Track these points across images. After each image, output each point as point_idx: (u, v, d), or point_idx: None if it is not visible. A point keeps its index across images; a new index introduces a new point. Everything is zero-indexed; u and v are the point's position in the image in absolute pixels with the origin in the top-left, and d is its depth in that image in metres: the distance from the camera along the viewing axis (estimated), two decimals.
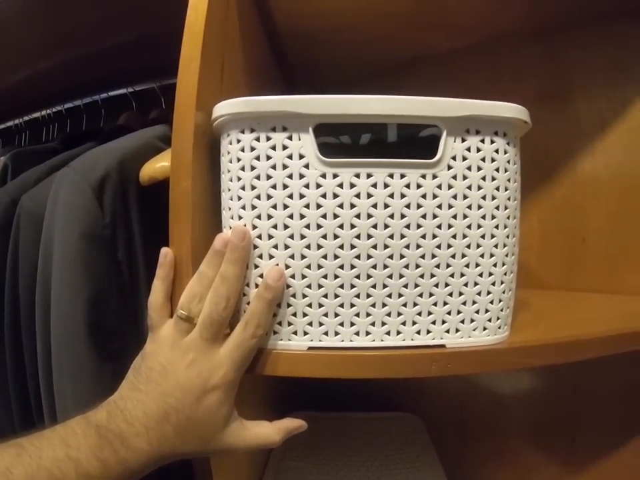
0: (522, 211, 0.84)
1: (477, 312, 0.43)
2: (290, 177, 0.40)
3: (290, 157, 0.40)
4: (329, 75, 0.99)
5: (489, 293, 0.43)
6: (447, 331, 0.43)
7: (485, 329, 0.44)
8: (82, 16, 0.84)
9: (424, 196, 0.40)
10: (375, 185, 0.39)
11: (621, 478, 0.77)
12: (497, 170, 0.42)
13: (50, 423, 0.60)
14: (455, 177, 0.41)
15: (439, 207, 0.40)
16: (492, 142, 0.42)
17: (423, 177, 0.40)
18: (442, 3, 0.71)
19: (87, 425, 0.38)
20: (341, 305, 0.41)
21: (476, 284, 0.42)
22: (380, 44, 0.87)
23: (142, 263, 0.64)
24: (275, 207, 0.40)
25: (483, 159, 0.42)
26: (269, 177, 0.40)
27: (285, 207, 0.40)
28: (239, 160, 0.41)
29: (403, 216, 0.40)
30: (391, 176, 0.39)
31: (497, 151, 0.42)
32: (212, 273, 0.41)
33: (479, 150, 0.41)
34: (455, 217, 0.41)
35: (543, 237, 0.85)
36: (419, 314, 0.42)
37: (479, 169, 0.41)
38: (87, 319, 0.57)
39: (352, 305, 0.41)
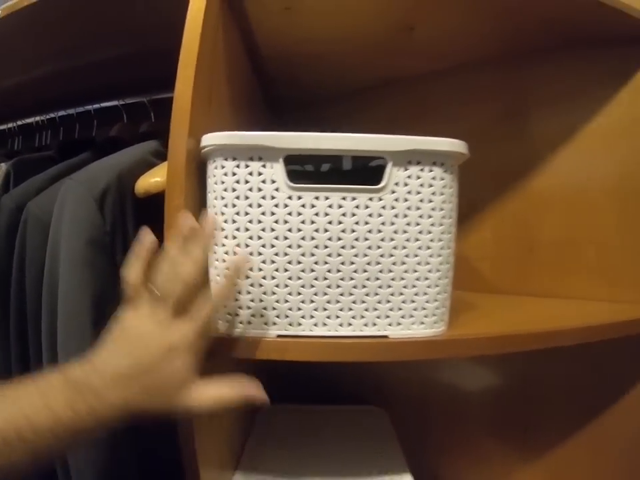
0: (477, 223, 0.93)
1: (415, 309, 0.52)
2: (264, 197, 0.49)
3: (264, 181, 0.49)
4: (307, 93, 1.06)
5: (425, 294, 0.52)
6: (390, 324, 0.52)
7: (422, 323, 0.53)
8: (79, 30, 0.88)
9: (371, 215, 0.49)
10: (331, 206, 0.49)
11: (572, 464, 0.83)
12: (434, 193, 0.51)
13: None
14: (397, 200, 0.50)
15: (383, 223, 0.49)
16: (430, 170, 0.50)
17: (371, 199, 0.49)
18: (409, 34, 0.78)
19: (65, 380, 0.42)
20: (303, 302, 0.50)
21: (414, 286, 0.51)
22: (354, 68, 0.94)
23: None
24: (251, 221, 0.49)
25: (422, 185, 0.50)
26: (246, 197, 0.49)
27: (259, 221, 0.49)
28: (222, 182, 0.50)
29: (353, 231, 0.49)
30: (344, 198, 0.49)
31: (434, 178, 0.51)
32: (181, 254, 0.47)
33: (418, 177, 0.50)
34: (396, 232, 0.50)
35: (495, 247, 0.92)
36: (367, 310, 0.51)
37: (418, 192, 0.50)
38: (91, 316, 0.65)
39: (312, 302, 0.50)
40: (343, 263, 0.50)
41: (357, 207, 0.49)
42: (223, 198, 0.50)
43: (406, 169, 0.50)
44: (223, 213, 0.50)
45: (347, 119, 1.06)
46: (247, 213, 0.49)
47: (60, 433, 0.40)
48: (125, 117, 1.19)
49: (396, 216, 0.50)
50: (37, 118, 1.38)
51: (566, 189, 0.84)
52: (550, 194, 0.85)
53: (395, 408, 1.00)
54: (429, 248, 0.51)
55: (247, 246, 0.50)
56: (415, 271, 0.51)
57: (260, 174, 0.49)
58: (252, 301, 0.51)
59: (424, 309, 0.52)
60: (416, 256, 0.51)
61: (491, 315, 0.72)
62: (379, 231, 0.50)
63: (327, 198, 0.49)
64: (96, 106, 1.26)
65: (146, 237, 0.48)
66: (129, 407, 0.43)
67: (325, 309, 0.51)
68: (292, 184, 0.49)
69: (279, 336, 0.51)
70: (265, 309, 0.51)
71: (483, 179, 0.92)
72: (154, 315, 0.46)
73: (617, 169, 0.78)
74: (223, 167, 0.50)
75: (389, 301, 0.51)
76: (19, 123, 1.44)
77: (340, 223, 0.49)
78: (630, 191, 0.77)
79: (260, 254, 0.50)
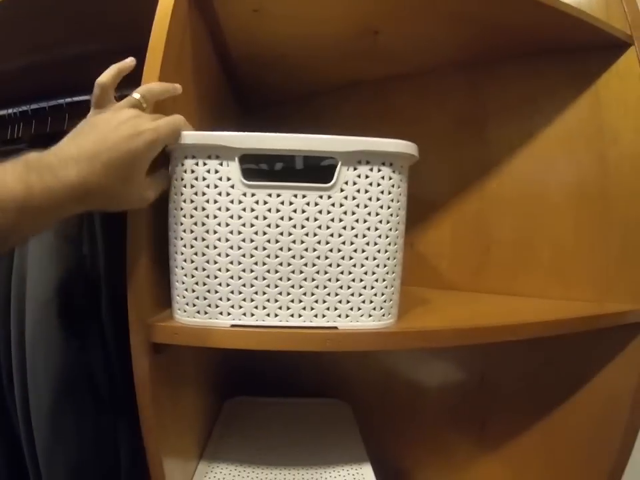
0: (436, 222, 0.96)
1: (363, 302, 0.55)
2: (220, 194, 0.52)
3: (220, 179, 0.52)
4: (275, 92, 1.08)
5: (372, 287, 0.55)
6: (339, 316, 0.55)
7: (370, 315, 0.56)
8: (52, 25, 0.88)
9: (320, 212, 0.52)
10: (282, 203, 0.52)
11: (528, 455, 0.87)
12: (382, 192, 0.54)
13: (21, 391, 0.70)
14: (346, 198, 0.53)
15: (332, 220, 0.53)
16: (379, 170, 0.53)
17: (321, 197, 0.52)
18: (374, 39, 0.81)
19: (18, 160, 0.41)
20: (256, 293, 0.53)
21: (361, 280, 0.54)
22: (320, 69, 0.96)
23: (102, 256, 0.74)
24: (207, 216, 0.52)
25: (371, 184, 0.53)
26: (204, 194, 0.52)
27: (215, 216, 0.52)
28: (182, 179, 0.53)
29: (303, 226, 0.52)
30: (295, 196, 0.52)
31: (382, 178, 0.53)
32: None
33: (367, 177, 0.53)
34: (344, 228, 0.53)
35: (453, 245, 0.95)
36: (316, 301, 0.54)
37: (366, 191, 0.53)
38: (58, 301, 0.67)
39: (264, 293, 0.53)
40: (293, 257, 0.53)
41: (307, 204, 0.52)
42: (182, 194, 0.53)
43: (355, 169, 0.53)
44: (181, 208, 0.53)
45: (313, 119, 1.08)
46: (204, 209, 0.52)
47: (8, 205, 0.38)
48: None
49: (345, 213, 0.53)
50: (10, 110, 1.37)
51: (524, 191, 0.86)
52: (508, 195, 0.88)
53: (357, 400, 1.03)
54: (376, 244, 0.54)
55: (204, 239, 0.52)
56: (363, 266, 0.54)
57: (217, 171, 0.52)
58: (208, 291, 0.53)
59: (371, 301, 0.55)
60: (363, 251, 0.54)
61: (444, 310, 0.75)
62: (328, 227, 0.53)
63: (278, 195, 0.52)
64: (68, 100, 1.25)
65: (132, 60, 0.54)
66: (87, 187, 0.43)
67: (277, 300, 0.54)
68: (246, 181, 0.52)
69: (233, 325, 0.54)
70: (220, 299, 0.54)
71: (443, 179, 0.95)
72: (127, 112, 0.49)
73: (575, 173, 0.81)
74: (182, 165, 0.53)
75: (337, 294, 0.54)
76: None
77: (290, 219, 0.52)
78: (586, 195, 0.80)
79: (215, 247, 0.52)
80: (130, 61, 0.53)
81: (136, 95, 0.51)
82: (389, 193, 0.54)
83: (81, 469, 0.70)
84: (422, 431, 1.01)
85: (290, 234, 0.52)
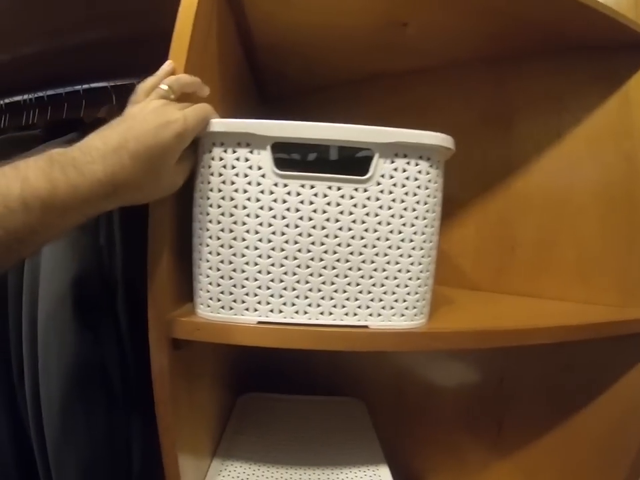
0: (460, 220, 0.94)
1: (396, 301, 0.53)
2: (249, 183, 0.49)
3: (250, 167, 0.49)
4: (296, 83, 1.05)
5: (406, 286, 0.53)
6: (371, 315, 0.52)
7: (402, 315, 0.53)
8: (70, 9, 0.87)
9: (355, 205, 0.50)
10: (316, 195, 0.49)
11: (545, 462, 0.84)
12: (419, 187, 0.51)
13: (32, 387, 0.67)
14: (382, 191, 0.50)
15: (367, 214, 0.50)
16: (416, 164, 0.51)
17: (356, 190, 0.50)
18: (402, 30, 0.78)
19: (41, 156, 0.39)
20: (285, 289, 0.51)
21: (395, 278, 0.52)
22: (344, 60, 0.94)
23: (119, 248, 0.72)
24: (236, 206, 0.50)
25: (407, 178, 0.51)
26: (232, 182, 0.49)
27: (244, 207, 0.49)
28: (209, 166, 0.50)
29: (337, 220, 0.50)
30: (330, 188, 0.49)
31: (420, 172, 0.51)
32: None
33: (404, 170, 0.51)
34: (380, 223, 0.50)
35: (477, 244, 0.92)
36: (348, 299, 0.51)
37: (403, 185, 0.51)
38: (72, 292, 0.65)
39: (293, 289, 0.51)
40: (325, 252, 0.50)
41: (342, 196, 0.49)
42: (209, 182, 0.50)
43: (392, 161, 0.51)
44: (208, 197, 0.50)
45: (333, 111, 1.06)
46: (232, 198, 0.50)
47: (31, 203, 0.37)
48: (115, 98, 1.17)
49: (380, 207, 0.50)
50: (25, 96, 1.36)
51: (550, 191, 0.84)
52: (534, 195, 0.86)
53: (371, 399, 1.01)
54: (411, 241, 0.52)
55: (231, 231, 0.50)
56: (397, 263, 0.52)
57: (247, 160, 0.49)
58: (234, 286, 0.51)
59: (404, 300, 0.53)
60: (398, 248, 0.52)
61: (470, 311, 0.73)
62: (363, 222, 0.50)
63: (312, 187, 0.49)
64: (85, 86, 1.24)
65: (171, 65, 0.52)
66: (115, 183, 0.42)
67: (307, 297, 0.51)
68: (279, 171, 0.49)
69: (259, 322, 0.52)
70: (246, 294, 0.51)
71: (468, 176, 0.92)
72: (155, 102, 0.47)
73: (602, 174, 0.78)
74: (210, 152, 0.50)
75: (370, 292, 0.52)
76: (6, 100, 1.41)
77: (324, 212, 0.49)
78: (613, 197, 0.77)
79: (244, 239, 0.50)
80: (168, 65, 0.51)
81: (163, 85, 0.49)
82: (426, 188, 0.52)
83: (92, 467, 0.68)
84: (435, 433, 0.99)
85: (323, 227, 0.49)
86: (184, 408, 0.58)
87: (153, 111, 0.46)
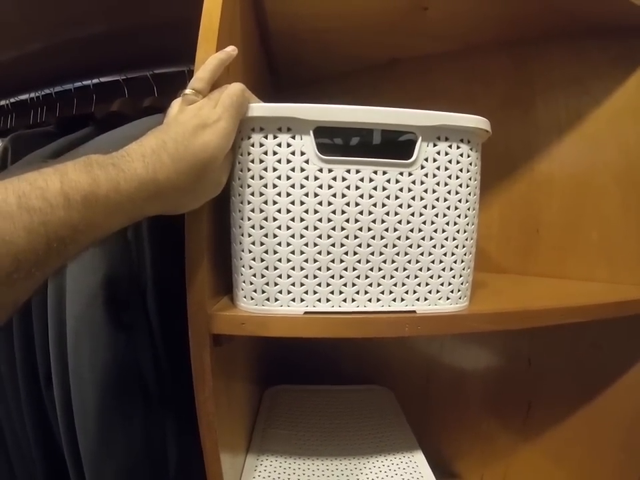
0: (484, 203, 0.93)
1: (442, 284, 0.52)
2: (293, 170, 0.48)
3: (293, 153, 0.48)
4: (311, 70, 1.04)
5: (451, 269, 0.52)
6: (417, 299, 0.52)
7: (448, 298, 0.53)
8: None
9: (401, 189, 0.49)
10: (362, 179, 0.48)
11: (572, 443, 0.85)
12: (461, 170, 0.51)
13: (62, 392, 0.65)
14: (426, 175, 0.50)
15: (413, 198, 0.49)
16: (458, 147, 0.51)
17: (401, 174, 0.49)
18: (423, 14, 0.77)
19: (77, 160, 0.38)
20: (332, 277, 0.50)
21: (441, 262, 0.52)
22: (361, 45, 0.92)
23: (147, 243, 0.71)
24: (279, 194, 0.48)
25: (450, 161, 0.50)
26: (274, 169, 0.48)
27: (288, 194, 0.48)
28: (249, 154, 0.49)
29: (383, 205, 0.49)
30: (375, 172, 0.48)
31: (461, 155, 0.51)
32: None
33: (447, 153, 0.50)
34: (425, 207, 0.50)
35: (501, 227, 0.93)
36: (395, 285, 0.51)
37: (446, 169, 0.50)
38: (103, 292, 0.64)
39: (341, 277, 0.50)
40: (373, 238, 0.49)
41: (388, 181, 0.48)
42: (249, 170, 0.49)
43: (435, 145, 0.50)
44: (249, 186, 0.49)
45: (347, 98, 1.04)
46: (275, 186, 0.48)
47: (73, 196, 0.35)
48: (127, 92, 1.16)
49: (425, 191, 0.50)
50: (32, 94, 1.34)
51: (572, 173, 0.85)
52: (556, 177, 0.86)
53: (398, 387, 1.01)
54: (455, 224, 0.51)
55: (275, 219, 0.49)
56: (442, 247, 0.51)
57: (289, 145, 0.48)
58: (279, 277, 0.50)
59: (450, 284, 0.53)
60: (443, 231, 0.51)
61: (504, 292, 0.73)
62: (409, 206, 0.49)
63: (358, 171, 0.48)
64: (95, 81, 1.22)
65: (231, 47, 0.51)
66: (157, 183, 0.41)
67: (354, 285, 0.50)
68: (323, 156, 0.48)
69: (306, 312, 0.50)
70: (292, 284, 0.50)
71: (491, 160, 0.91)
72: (190, 107, 0.46)
73: (623, 155, 0.79)
74: (249, 138, 0.49)
75: (417, 276, 0.51)
76: (12, 100, 1.40)
77: (371, 196, 0.48)
78: (635, 177, 0.78)
79: (289, 228, 0.49)
80: (232, 50, 0.50)
81: (187, 90, 0.48)
82: (468, 171, 0.52)
83: (132, 476, 0.66)
84: (464, 419, 0.99)
85: (370, 213, 0.48)
86: (224, 405, 0.57)
87: (186, 114, 0.45)
